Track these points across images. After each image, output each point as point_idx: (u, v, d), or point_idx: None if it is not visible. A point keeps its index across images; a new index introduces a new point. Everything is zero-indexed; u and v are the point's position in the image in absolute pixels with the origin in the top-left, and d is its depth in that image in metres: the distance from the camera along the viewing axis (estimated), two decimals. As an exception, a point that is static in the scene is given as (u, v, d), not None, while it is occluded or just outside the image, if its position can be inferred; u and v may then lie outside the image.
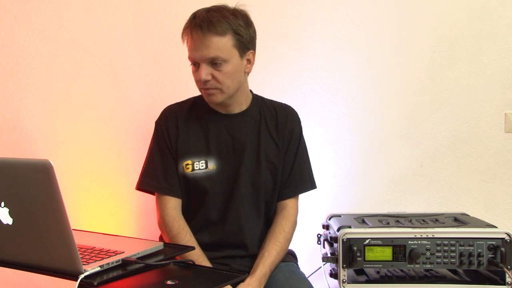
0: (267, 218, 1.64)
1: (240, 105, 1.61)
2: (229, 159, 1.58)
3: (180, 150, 1.58)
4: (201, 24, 1.45)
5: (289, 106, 1.69)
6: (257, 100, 1.66)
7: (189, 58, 1.51)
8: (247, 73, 1.58)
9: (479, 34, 2.14)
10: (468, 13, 2.14)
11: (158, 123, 1.63)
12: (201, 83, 1.50)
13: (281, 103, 1.69)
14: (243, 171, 1.57)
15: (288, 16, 2.10)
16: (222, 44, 1.46)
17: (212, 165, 1.58)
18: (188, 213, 1.59)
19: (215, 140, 1.59)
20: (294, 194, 1.65)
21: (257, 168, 1.59)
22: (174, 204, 1.58)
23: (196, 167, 1.57)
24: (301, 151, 1.66)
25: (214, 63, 1.47)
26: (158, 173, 1.58)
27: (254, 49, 1.56)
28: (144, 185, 1.61)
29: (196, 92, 1.68)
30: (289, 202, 1.63)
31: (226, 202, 1.58)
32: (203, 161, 1.58)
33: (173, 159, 1.58)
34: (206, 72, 1.48)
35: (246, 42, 1.51)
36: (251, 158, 1.59)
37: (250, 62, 1.56)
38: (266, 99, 1.69)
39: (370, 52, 2.13)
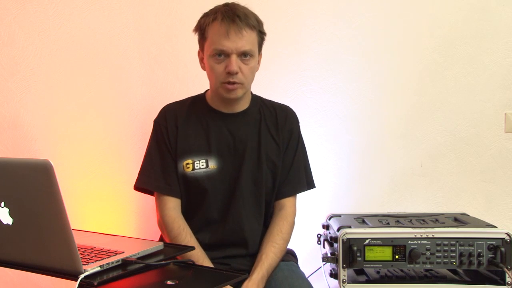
0: (267, 218, 1.64)
1: (243, 104, 1.61)
2: (230, 158, 1.58)
3: (180, 149, 1.58)
4: (238, 15, 1.48)
5: (288, 107, 1.70)
6: (257, 100, 1.66)
7: (217, 49, 1.49)
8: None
9: (479, 34, 2.14)
10: (468, 13, 2.14)
11: (157, 122, 1.63)
12: (228, 76, 1.49)
13: (280, 103, 1.70)
14: (244, 170, 1.57)
15: (288, 16, 2.11)
16: (253, 39, 1.51)
17: (212, 164, 1.57)
18: (188, 213, 1.59)
19: (215, 139, 1.58)
20: (292, 193, 1.64)
21: (258, 167, 1.59)
22: (173, 205, 1.57)
23: (197, 166, 1.57)
24: (300, 151, 1.66)
25: (244, 56, 1.49)
26: (157, 173, 1.58)
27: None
28: (142, 183, 1.60)
29: (195, 92, 1.69)
30: (287, 202, 1.63)
31: (227, 201, 1.58)
32: (204, 160, 1.58)
33: (172, 159, 1.58)
34: (237, 64, 1.49)
35: (262, 42, 1.58)
36: (252, 157, 1.59)
37: (258, 63, 1.60)
38: (265, 99, 1.69)
39: (370, 52, 2.13)
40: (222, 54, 1.49)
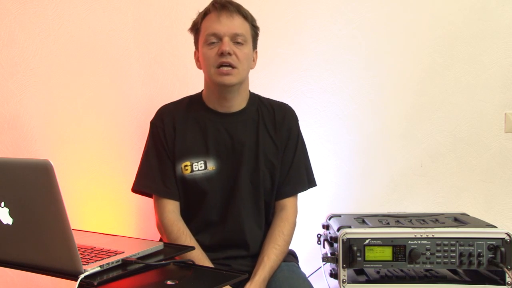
0: (267, 218, 1.63)
1: (240, 103, 1.60)
2: (228, 159, 1.58)
3: (178, 151, 1.57)
4: (230, 2, 1.53)
5: (287, 105, 1.69)
6: (255, 99, 1.65)
7: (209, 34, 1.51)
8: (250, 69, 1.60)
9: (479, 34, 2.14)
10: (468, 13, 2.14)
11: (154, 123, 1.62)
12: (220, 57, 1.49)
13: (279, 101, 1.69)
14: (242, 170, 1.57)
15: (288, 16, 2.10)
16: (246, 27, 1.54)
17: (211, 166, 1.57)
18: (188, 215, 1.59)
19: (213, 140, 1.58)
20: (292, 193, 1.63)
21: (255, 167, 1.58)
22: (172, 207, 1.57)
23: (195, 168, 1.56)
24: (300, 149, 1.65)
25: (236, 41, 1.51)
26: (155, 175, 1.57)
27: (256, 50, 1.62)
28: (140, 186, 1.60)
29: (195, 92, 1.69)
30: (287, 202, 1.62)
31: (226, 202, 1.57)
32: (202, 162, 1.57)
33: (170, 161, 1.57)
34: (229, 45, 1.49)
35: (256, 37, 1.59)
36: (250, 157, 1.58)
37: (254, 60, 1.61)
38: (263, 97, 1.68)
39: (370, 52, 2.13)
40: (215, 40, 1.50)
